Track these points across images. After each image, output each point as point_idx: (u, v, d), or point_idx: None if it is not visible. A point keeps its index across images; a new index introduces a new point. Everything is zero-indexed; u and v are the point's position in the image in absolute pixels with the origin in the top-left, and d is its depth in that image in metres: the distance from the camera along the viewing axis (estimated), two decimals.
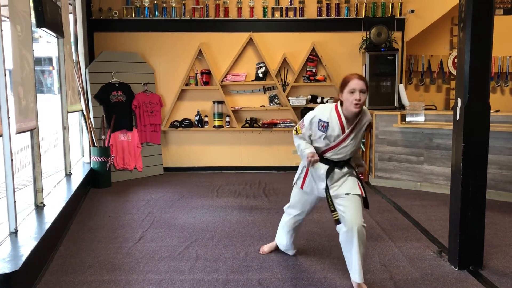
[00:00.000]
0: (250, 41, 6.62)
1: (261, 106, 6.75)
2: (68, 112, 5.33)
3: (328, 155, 2.93)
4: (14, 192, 3.24)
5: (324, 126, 2.84)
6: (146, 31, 6.60)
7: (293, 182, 3.24)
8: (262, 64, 6.63)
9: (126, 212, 4.68)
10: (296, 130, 3.01)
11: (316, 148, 2.95)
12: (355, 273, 2.86)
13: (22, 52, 3.51)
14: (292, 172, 6.76)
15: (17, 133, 3.32)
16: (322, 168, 2.94)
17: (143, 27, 6.58)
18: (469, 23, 3.04)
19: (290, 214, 3.35)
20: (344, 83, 2.78)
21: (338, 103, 2.87)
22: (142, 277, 3.09)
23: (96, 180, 5.79)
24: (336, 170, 2.93)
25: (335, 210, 2.88)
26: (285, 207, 3.42)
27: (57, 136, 6.59)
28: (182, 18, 6.58)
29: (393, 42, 6.48)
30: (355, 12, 6.65)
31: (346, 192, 2.90)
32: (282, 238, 3.45)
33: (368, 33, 6.39)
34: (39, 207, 3.98)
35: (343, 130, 2.83)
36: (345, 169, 2.96)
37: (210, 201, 5.15)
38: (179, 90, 6.69)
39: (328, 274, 3.13)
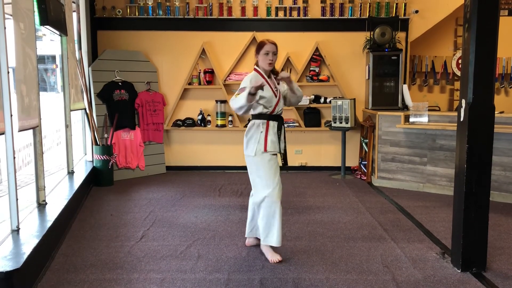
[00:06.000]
0: (254, 41, 6.60)
1: None
2: (71, 110, 5.34)
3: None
4: (16, 190, 3.24)
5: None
6: (150, 30, 6.60)
7: (253, 153, 3.41)
8: None
9: (128, 211, 4.68)
10: (235, 96, 3.27)
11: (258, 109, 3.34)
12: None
13: (25, 50, 3.51)
14: (295, 172, 6.80)
15: (20, 131, 3.32)
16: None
17: (147, 25, 6.58)
18: (474, 23, 3.02)
19: (272, 196, 3.30)
20: (260, 46, 3.35)
21: (255, 67, 3.39)
22: (143, 276, 3.09)
23: (98, 179, 5.79)
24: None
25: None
26: (264, 195, 3.34)
27: (60, 134, 6.60)
28: (185, 17, 6.58)
29: (397, 42, 6.46)
30: (359, 12, 6.62)
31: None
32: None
33: (372, 33, 6.37)
34: (41, 205, 3.98)
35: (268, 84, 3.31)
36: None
37: (212, 200, 5.14)
38: (182, 89, 6.68)
39: (330, 274, 3.11)
